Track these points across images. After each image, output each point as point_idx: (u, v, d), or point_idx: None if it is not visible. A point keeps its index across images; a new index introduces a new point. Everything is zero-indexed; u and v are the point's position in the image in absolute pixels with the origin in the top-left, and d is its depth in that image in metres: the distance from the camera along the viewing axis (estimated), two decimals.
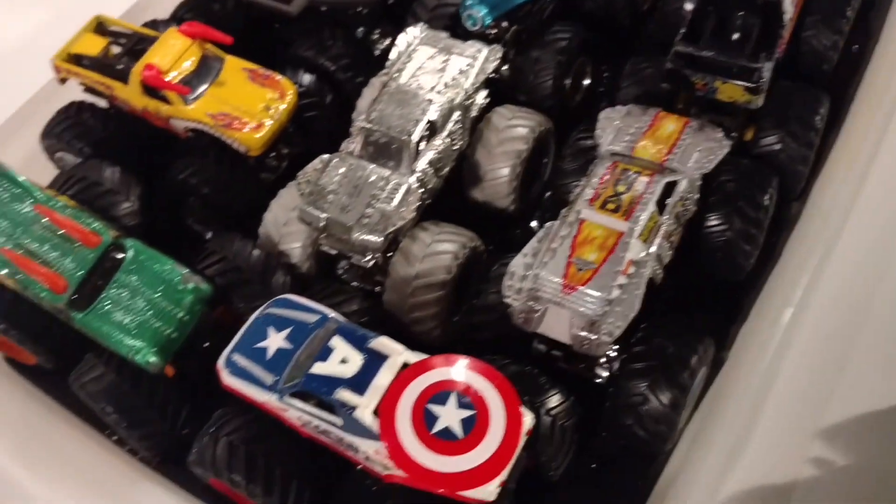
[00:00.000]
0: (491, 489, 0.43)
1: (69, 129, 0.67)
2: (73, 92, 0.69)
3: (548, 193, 0.64)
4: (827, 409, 0.58)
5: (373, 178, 0.56)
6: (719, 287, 0.59)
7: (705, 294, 0.59)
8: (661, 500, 0.51)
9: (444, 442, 0.43)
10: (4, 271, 0.53)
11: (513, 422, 0.44)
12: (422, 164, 0.57)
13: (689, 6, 0.63)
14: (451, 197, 0.62)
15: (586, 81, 0.69)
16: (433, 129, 0.57)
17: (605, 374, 0.53)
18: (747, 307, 0.58)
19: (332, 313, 0.50)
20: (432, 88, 0.58)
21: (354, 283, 0.60)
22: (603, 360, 0.54)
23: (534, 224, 0.65)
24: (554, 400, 0.51)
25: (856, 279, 0.62)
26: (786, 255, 0.59)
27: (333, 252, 0.58)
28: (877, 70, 0.69)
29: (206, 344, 0.55)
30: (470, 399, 0.44)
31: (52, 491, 0.53)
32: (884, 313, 0.60)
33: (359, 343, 0.46)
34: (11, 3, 0.89)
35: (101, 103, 0.68)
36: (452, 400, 0.44)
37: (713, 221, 0.58)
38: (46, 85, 0.69)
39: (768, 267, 0.60)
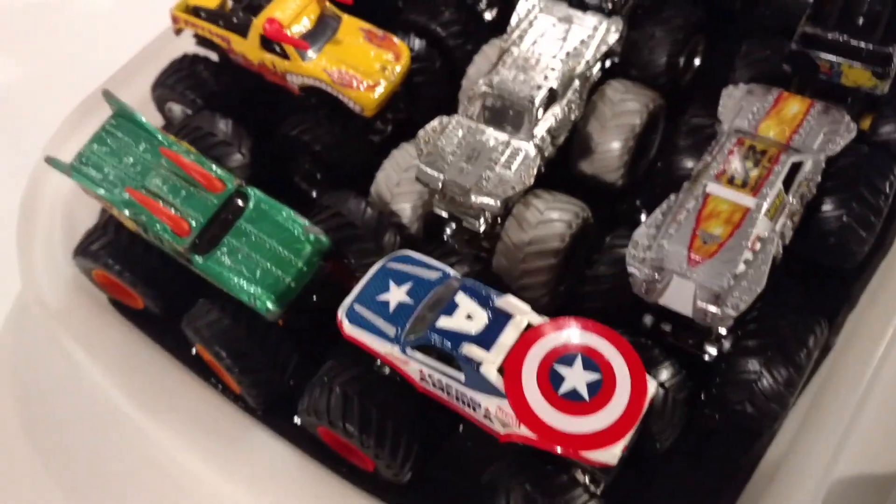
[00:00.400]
0: (615, 451, 0.43)
1: (182, 80, 0.67)
2: (186, 43, 0.70)
3: (659, 166, 0.63)
4: None
5: (491, 142, 0.56)
6: (830, 273, 0.59)
7: (815, 279, 0.59)
8: (767, 480, 0.51)
9: (571, 402, 0.43)
10: (127, 211, 0.54)
11: (638, 388, 0.44)
12: (540, 130, 0.57)
13: None
14: (557, 168, 0.63)
15: (697, 61, 0.69)
16: (553, 97, 0.57)
17: (714, 351, 0.53)
18: (857, 294, 0.58)
19: (451, 271, 0.50)
20: (554, 56, 0.58)
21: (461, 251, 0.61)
22: (712, 337, 0.54)
23: (638, 202, 0.65)
24: (667, 372, 0.51)
25: None
26: None
27: (445, 214, 0.58)
28: None
29: (315, 298, 0.56)
30: (596, 363, 0.44)
31: (162, 431, 0.54)
32: None
33: (484, 300, 0.47)
34: None
35: (213, 56, 0.69)
36: (579, 362, 0.44)
37: (830, 205, 0.58)
38: (161, 34, 0.71)
39: (879, 256, 0.59)
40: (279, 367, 0.54)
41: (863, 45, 0.60)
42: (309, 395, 0.52)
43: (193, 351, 0.58)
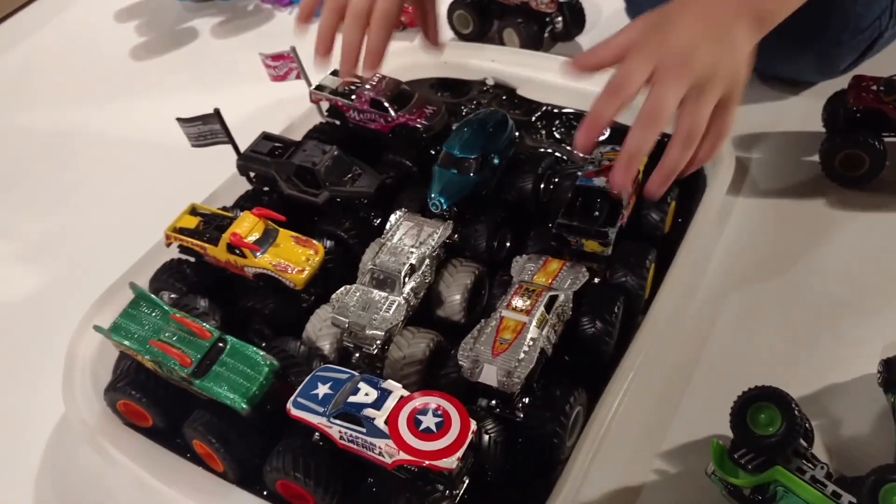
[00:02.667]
0: (452, 460, 0.75)
1: (172, 275, 1.01)
2: (172, 252, 1.04)
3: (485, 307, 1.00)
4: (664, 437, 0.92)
5: (377, 298, 0.91)
6: (591, 364, 0.94)
7: (581, 368, 0.94)
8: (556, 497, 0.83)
9: (426, 434, 0.75)
10: (148, 356, 0.85)
11: (464, 424, 0.77)
12: (406, 290, 0.92)
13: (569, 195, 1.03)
14: (421, 313, 0.98)
15: (508, 244, 1.08)
16: (413, 269, 0.93)
17: (521, 415, 0.87)
18: (610, 374, 0.93)
19: (355, 373, 0.83)
20: (412, 245, 0.94)
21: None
22: (519, 405, 0.87)
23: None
24: (489, 423, 0.83)
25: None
26: (632, 345, 0.95)
27: (351, 346, 0.92)
28: (692, 236, 1.08)
29: (268, 406, 0.87)
30: (440, 412, 0.77)
31: (176, 491, 0.82)
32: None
33: (375, 384, 0.79)
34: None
35: (192, 259, 1.04)
36: (430, 412, 0.77)
37: (584, 322, 0.94)
38: (155, 246, 1.05)
39: (622, 352, 0.96)
40: (251, 449, 0.84)
41: (593, 227, 1.00)
42: (271, 460, 0.82)
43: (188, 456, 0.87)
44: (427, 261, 0.93)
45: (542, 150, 1.19)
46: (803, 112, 1.25)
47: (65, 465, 0.91)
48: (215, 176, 1.12)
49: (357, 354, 0.92)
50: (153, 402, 0.86)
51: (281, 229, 0.99)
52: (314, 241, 0.98)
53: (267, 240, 0.96)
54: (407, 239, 0.93)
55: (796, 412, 0.76)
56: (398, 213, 0.97)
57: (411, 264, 0.91)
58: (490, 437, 0.80)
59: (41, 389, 0.96)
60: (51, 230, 1.23)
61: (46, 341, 0.98)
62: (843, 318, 0.98)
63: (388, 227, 0.96)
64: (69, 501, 0.89)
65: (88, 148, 1.40)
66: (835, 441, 0.86)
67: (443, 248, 0.96)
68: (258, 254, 0.95)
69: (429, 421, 0.76)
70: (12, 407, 0.98)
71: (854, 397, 0.89)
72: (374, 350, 0.88)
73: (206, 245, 0.98)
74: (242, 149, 1.10)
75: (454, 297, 0.94)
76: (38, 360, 1.02)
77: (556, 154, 1.19)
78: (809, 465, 0.77)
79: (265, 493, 0.82)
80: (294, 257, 0.95)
